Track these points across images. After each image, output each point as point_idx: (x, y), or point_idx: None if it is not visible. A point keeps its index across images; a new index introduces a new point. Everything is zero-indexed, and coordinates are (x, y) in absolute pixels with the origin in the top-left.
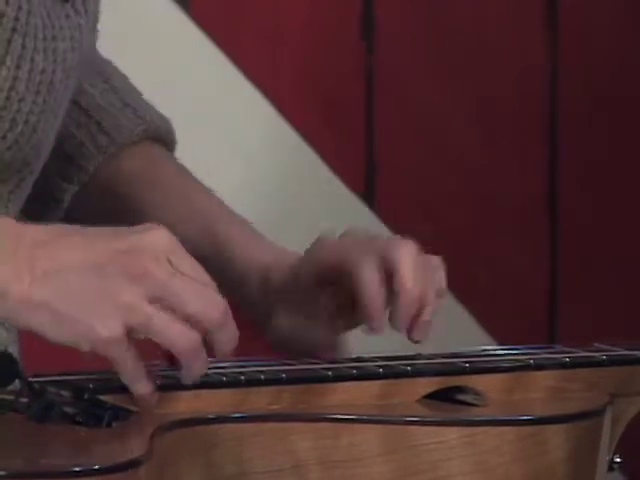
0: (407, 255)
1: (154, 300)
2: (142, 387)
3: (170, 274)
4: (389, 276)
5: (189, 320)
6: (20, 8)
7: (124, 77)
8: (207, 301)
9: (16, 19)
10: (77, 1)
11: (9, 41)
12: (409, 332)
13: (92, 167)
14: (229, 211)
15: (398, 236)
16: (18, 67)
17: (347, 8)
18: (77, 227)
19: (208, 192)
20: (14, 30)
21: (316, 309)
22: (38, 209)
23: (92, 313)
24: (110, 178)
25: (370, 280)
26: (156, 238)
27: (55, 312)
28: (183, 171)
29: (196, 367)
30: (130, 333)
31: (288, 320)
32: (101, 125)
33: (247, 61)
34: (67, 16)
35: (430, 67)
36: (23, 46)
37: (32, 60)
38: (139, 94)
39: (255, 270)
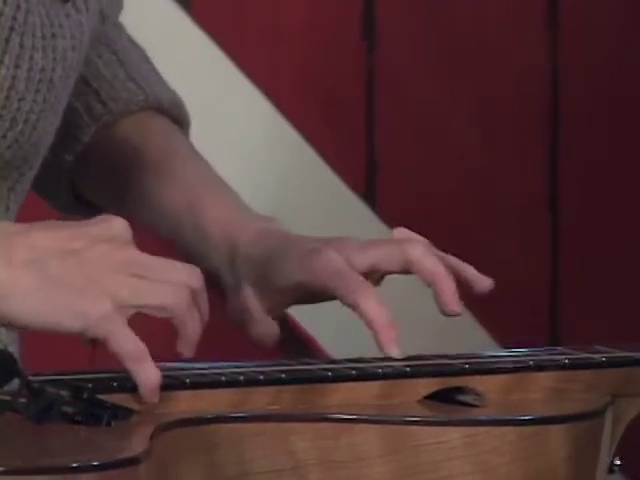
0: (416, 249)
1: (139, 278)
2: (147, 370)
3: (145, 255)
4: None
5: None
6: (18, 7)
7: (139, 52)
8: (185, 271)
9: (14, 18)
10: (78, 0)
11: (7, 40)
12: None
13: (87, 137)
14: (214, 179)
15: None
16: (17, 66)
17: (348, 8)
18: (46, 221)
19: (196, 157)
20: (12, 29)
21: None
22: (51, 183)
23: (80, 295)
24: (103, 147)
25: (376, 312)
26: (120, 226)
27: (40, 297)
28: (175, 139)
29: (192, 325)
30: (122, 309)
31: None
32: (99, 94)
33: (248, 61)
34: (67, 15)
35: (430, 67)
36: (21, 45)
37: (31, 59)
38: (151, 69)
39: (222, 238)
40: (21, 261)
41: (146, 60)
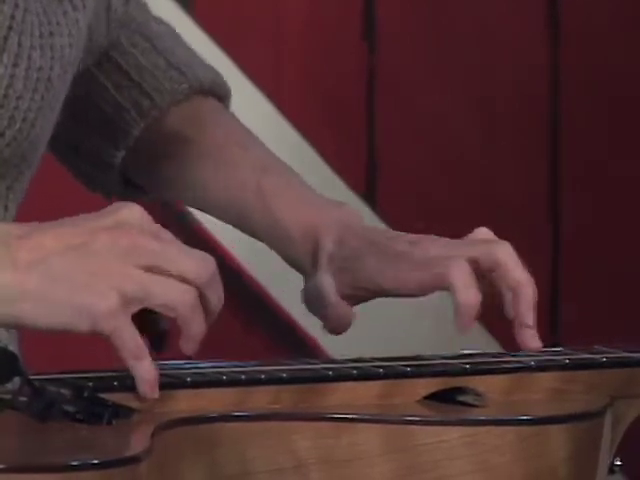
0: (507, 255)
1: (146, 269)
2: (145, 367)
3: (155, 241)
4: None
5: (182, 280)
6: (16, 6)
7: (172, 35)
8: (196, 259)
9: (12, 17)
10: None
11: (5, 39)
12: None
13: (136, 132)
14: (276, 163)
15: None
16: (15, 65)
17: (348, 8)
18: (53, 221)
19: (255, 143)
20: (10, 28)
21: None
22: (96, 175)
23: (86, 291)
24: (154, 140)
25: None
26: (132, 212)
27: (46, 298)
28: (230, 124)
29: (196, 324)
30: (127, 305)
31: (325, 277)
32: (142, 88)
33: (249, 61)
34: (65, 13)
35: (431, 67)
36: (19, 44)
37: (29, 57)
38: (186, 50)
39: (301, 230)
40: (25, 263)
41: (177, 39)
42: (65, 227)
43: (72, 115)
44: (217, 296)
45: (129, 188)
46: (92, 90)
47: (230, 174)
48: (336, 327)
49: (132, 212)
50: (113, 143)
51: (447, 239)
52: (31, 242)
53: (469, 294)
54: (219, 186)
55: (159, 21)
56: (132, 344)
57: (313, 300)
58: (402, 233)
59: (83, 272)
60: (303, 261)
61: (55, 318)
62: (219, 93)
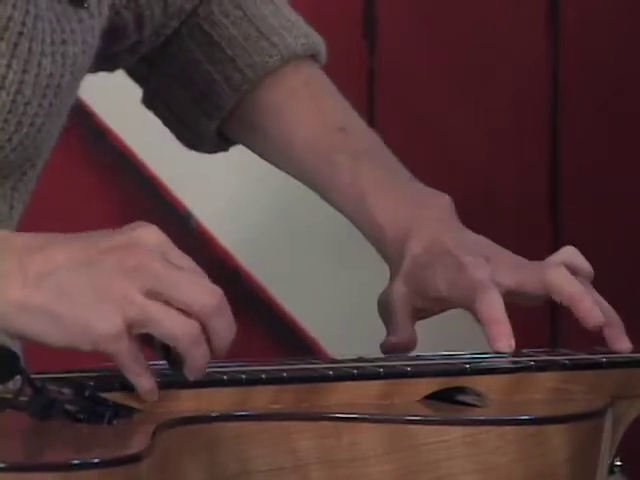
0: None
1: (150, 293)
2: (145, 382)
3: (164, 266)
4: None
5: (186, 310)
6: (27, 12)
7: None
8: (202, 289)
9: (23, 23)
10: (92, 4)
11: (16, 45)
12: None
13: (229, 105)
14: (371, 146)
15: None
16: (25, 71)
17: (348, 7)
18: (68, 234)
19: (350, 119)
20: (21, 34)
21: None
22: (193, 140)
23: (89, 311)
24: (249, 112)
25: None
26: (148, 234)
27: (52, 315)
28: (324, 99)
29: (198, 356)
30: (130, 328)
31: (401, 286)
32: (235, 62)
33: None
34: (80, 20)
35: (431, 67)
36: (30, 50)
37: (39, 64)
38: (275, 12)
39: (393, 232)
40: (35, 277)
41: (265, 3)
42: (77, 242)
43: (171, 83)
44: (225, 327)
45: (224, 142)
46: (186, 61)
47: (324, 157)
48: (397, 347)
49: (148, 233)
50: (207, 115)
51: (515, 260)
52: (43, 256)
53: (490, 302)
54: (310, 163)
55: None
56: (132, 365)
57: (383, 310)
58: (481, 239)
59: (88, 290)
60: (391, 260)
61: (59, 337)
62: (312, 53)
